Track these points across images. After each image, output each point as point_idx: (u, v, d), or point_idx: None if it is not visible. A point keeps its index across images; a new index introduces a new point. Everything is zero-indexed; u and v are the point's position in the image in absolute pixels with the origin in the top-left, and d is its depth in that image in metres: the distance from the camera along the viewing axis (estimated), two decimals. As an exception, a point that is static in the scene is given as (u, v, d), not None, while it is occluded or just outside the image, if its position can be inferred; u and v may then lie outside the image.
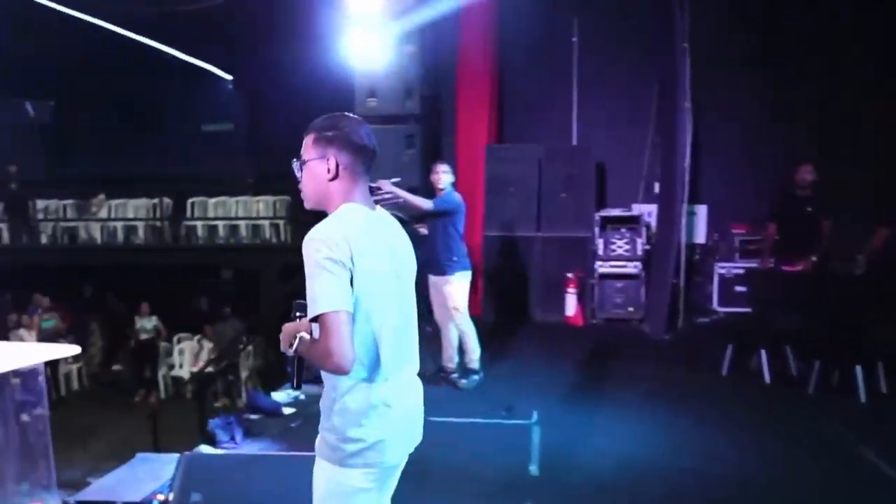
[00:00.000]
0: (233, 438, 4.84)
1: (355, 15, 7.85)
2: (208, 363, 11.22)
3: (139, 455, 4.37)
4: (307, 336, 2.18)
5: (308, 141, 2.34)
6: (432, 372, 6.35)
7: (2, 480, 2.68)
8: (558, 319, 9.08)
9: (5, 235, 14.28)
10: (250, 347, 11.78)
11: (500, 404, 5.67)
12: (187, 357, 12.15)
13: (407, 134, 8.89)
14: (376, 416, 2.23)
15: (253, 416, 5.37)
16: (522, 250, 9.29)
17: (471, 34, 9.64)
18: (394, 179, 5.44)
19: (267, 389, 5.72)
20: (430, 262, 6.26)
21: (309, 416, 5.38)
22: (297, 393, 5.76)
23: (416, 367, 2.44)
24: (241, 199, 13.77)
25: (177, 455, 3.66)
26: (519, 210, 9.28)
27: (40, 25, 11.93)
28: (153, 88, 14.82)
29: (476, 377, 6.33)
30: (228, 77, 15.22)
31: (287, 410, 5.48)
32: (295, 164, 2.36)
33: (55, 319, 12.59)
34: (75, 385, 12.47)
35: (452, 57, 9.78)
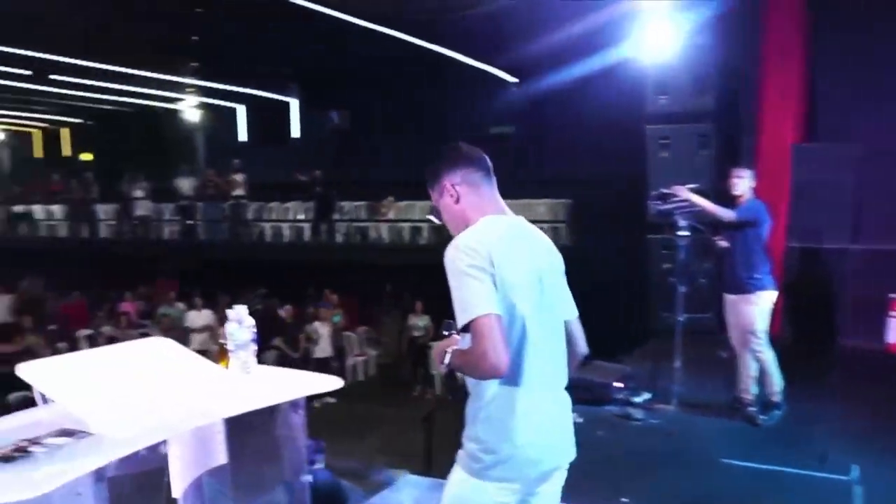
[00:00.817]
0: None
1: (644, 6, 7.27)
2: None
3: (405, 477, 4.22)
4: (459, 348, 2.18)
5: (430, 192, 2.42)
6: (726, 402, 5.63)
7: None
8: (875, 347, 7.75)
9: (307, 234, 15.52)
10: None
11: (809, 450, 4.81)
12: (464, 356, 12.22)
13: (700, 133, 8.11)
14: (521, 428, 2.17)
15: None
16: (831, 265, 8.09)
17: (777, 18, 8.56)
18: (690, 185, 4.82)
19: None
20: (728, 279, 5.53)
21: (587, 443, 4.92)
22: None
23: (565, 380, 2.36)
24: (521, 201, 13.70)
25: (443, 482, 3.40)
26: (829, 219, 8.09)
27: (342, 39, 12.72)
28: (440, 94, 15.25)
29: (777, 412, 5.48)
30: (513, 80, 15.24)
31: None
32: (434, 217, 2.46)
33: (340, 315, 13.34)
34: (361, 376, 13.14)
35: (755, 45, 8.77)
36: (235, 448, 2.42)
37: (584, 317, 2.40)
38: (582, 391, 5.64)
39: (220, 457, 2.40)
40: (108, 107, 20.40)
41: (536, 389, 2.22)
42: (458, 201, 2.33)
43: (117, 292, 14.59)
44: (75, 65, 14.94)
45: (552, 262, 2.37)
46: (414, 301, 12.90)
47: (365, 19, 11.67)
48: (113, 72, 15.69)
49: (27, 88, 17.11)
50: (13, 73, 15.28)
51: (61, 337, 11.71)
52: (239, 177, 15.99)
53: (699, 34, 8.04)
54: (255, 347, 2.47)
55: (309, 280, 13.99)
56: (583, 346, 2.47)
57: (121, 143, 21.15)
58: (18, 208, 19.54)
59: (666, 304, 7.07)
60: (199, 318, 12.34)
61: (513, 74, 15.05)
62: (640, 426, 5.31)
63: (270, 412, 2.34)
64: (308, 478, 5.54)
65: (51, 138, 24.04)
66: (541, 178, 13.58)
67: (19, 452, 1.92)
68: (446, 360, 2.19)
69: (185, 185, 16.86)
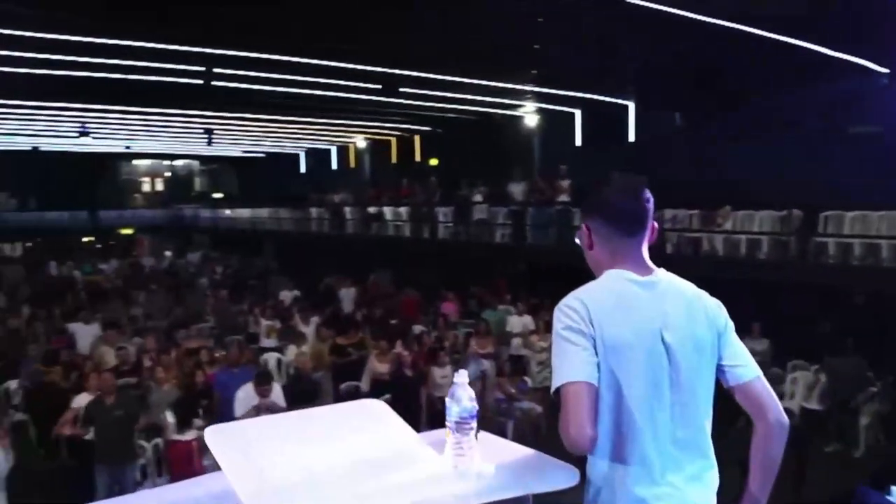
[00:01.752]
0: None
1: None
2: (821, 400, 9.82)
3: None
4: None
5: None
6: None
7: None
8: None
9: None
10: (875, 388, 9.93)
11: None
12: (800, 389, 10.74)
13: None
14: None
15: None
16: None
17: None
18: None
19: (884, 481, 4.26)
20: None
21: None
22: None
23: (706, 465, 2.03)
24: (885, 213, 11.72)
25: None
26: None
27: (683, 38, 11.97)
28: (789, 90, 13.68)
29: None
30: (882, 70, 13.17)
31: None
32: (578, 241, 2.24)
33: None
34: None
35: None
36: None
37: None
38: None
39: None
40: (454, 115, 21.59)
41: (655, 471, 1.94)
42: (591, 247, 2.17)
43: (446, 292, 15.24)
44: (426, 78, 15.97)
45: (691, 329, 2.04)
46: (750, 322, 11.64)
47: (706, 14, 10.81)
48: (460, 82, 16.50)
49: (388, 101, 18.64)
50: (369, 88, 16.66)
51: (398, 332, 12.47)
52: (565, 182, 15.88)
53: None
54: (474, 426, 2.04)
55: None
56: (778, 415, 2.06)
57: (463, 150, 22.28)
58: (372, 209, 21.47)
59: None
60: (518, 322, 12.37)
61: (883, 64, 12.99)
62: None
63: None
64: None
65: (405, 145, 26.14)
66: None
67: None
68: None
69: (517, 189, 17.15)
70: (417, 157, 25.61)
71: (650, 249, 2.16)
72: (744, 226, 13.51)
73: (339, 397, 10.59)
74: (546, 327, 11.57)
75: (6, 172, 31.25)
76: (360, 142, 28.10)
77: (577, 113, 19.78)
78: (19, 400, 10.39)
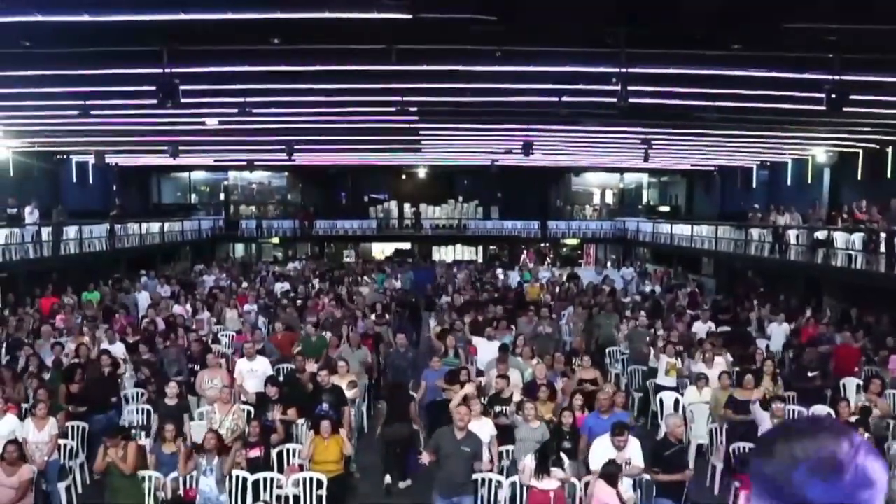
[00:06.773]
0: None
1: None
2: None
3: None
4: None
5: None
6: None
7: None
8: None
9: None
10: None
11: None
12: None
13: None
14: None
15: None
16: None
17: None
18: None
19: None
20: None
21: None
22: None
23: None
24: None
25: None
26: None
27: None
28: None
29: None
30: None
31: None
32: None
33: None
34: None
35: None
36: None
37: None
38: None
39: None
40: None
41: None
42: None
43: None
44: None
45: None
46: None
47: None
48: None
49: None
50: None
51: (819, 392, 10.73)
52: None
53: None
54: None
55: None
56: None
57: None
58: (820, 234, 18.90)
59: None
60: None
61: None
62: None
63: None
64: None
65: (874, 158, 22.53)
66: None
67: None
68: None
69: None
70: (888, 174, 21.88)
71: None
72: None
73: (728, 460, 9.35)
74: None
75: (472, 184, 34.85)
76: (820, 154, 24.98)
77: None
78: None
